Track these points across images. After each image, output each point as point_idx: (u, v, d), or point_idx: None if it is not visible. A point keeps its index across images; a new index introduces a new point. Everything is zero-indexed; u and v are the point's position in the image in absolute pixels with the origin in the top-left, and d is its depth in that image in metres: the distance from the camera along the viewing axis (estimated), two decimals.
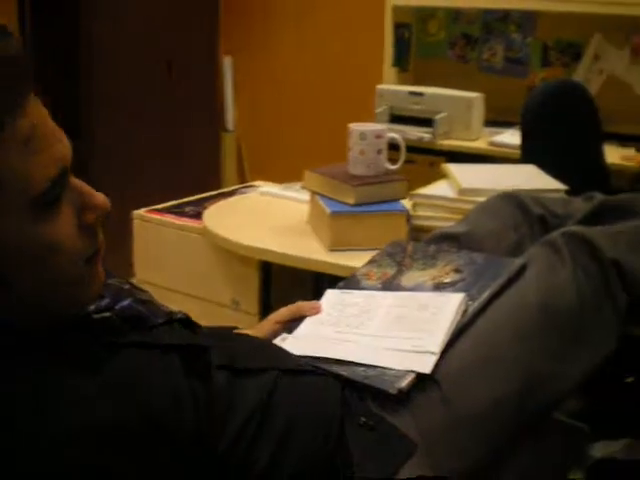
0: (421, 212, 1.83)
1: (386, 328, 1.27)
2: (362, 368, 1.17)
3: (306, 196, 2.03)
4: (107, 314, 0.91)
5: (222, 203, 2.26)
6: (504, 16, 3.93)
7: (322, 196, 1.88)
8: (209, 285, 2.10)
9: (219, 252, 2.02)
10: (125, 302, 0.95)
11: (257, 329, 1.35)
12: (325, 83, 4.27)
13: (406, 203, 1.87)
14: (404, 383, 1.13)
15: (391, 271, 1.44)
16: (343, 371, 1.16)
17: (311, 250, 1.83)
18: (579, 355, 1.27)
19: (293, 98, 4.37)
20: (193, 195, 2.40)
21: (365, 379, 1.15)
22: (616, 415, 2.22)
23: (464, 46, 4.04)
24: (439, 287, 1.34)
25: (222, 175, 4.38)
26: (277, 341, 1.28)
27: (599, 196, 1.61)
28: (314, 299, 1.42)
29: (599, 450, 2.14)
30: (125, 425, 0.82)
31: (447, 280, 1.35)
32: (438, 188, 1.92)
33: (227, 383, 0.96)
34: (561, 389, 1.26)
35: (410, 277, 1.40)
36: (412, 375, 1.14)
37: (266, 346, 1.22)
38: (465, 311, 1.26)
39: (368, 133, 1.89)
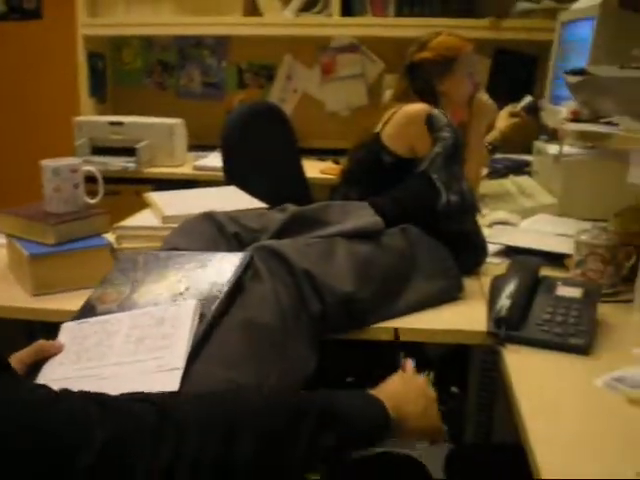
0: (126, 244, 1.79)
1: (128, 353, 1.22)
2: None
3: (3, 240, 1.91)
4: None
5: None
6: (198, 42, 3.99)
7: (19, 239, 1.77)
8: None
9: None
10: None
11: None
12: (19, 120, 4.08)
13: (110, 237, 1.82)
14: None
15: (125, 289, 1.39)
16: None
17: (14, 298, 1.71)
18: (283, 364, 1.29)
19: None
20: None
21: None
22: None
23: (161, 73, 4.05)
24: (174, 298, 1.32)
25: None
26: None
27: (291, 208, 1.67)
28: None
29: None
30: None
31: (181, 289, 1.34)
32: (142, 218, 1.89)
33: None
34: None
35: (145, 292, 1.36)
36: None
37: None
38: (202, 315, 1.25)
39: (62, 168, 1.81)
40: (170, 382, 1.14)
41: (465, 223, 1.77)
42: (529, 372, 1.30)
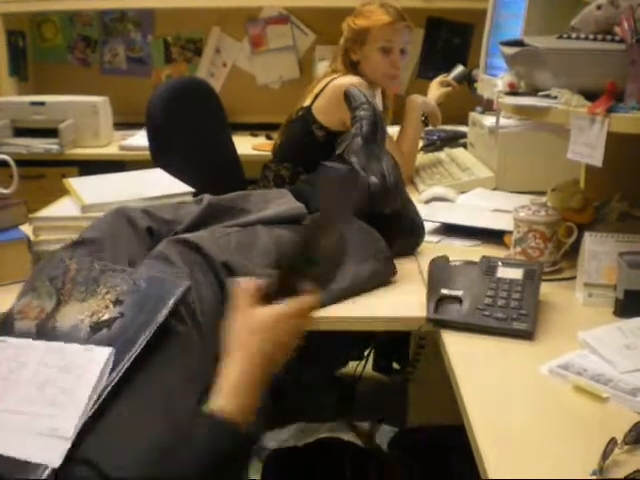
0: (44, 236, 1.67)
1: (28, 400, 1.08)
2: None
3: None
4: None
5: None
6: (121, 16, 3.84)
7: None
8: None
9: None
10: None
11: None
12: None
13: (27, 228, 1.70)
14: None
15: (50, 304, 1.24)
16: None
17: None
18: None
19: None
20: None
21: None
22: (280, 404, 2.26)
23: (84, 49, 3.89)
24: (96, 328, 1.18)
25: None
26: None
27: (208, 197, 1.59)
28: None
29: (272, 440, 2.16)
30: None
31: (105, 317, 1.19)
32: (61, 207, 1.78)
33: None
34: None
35: (68, 313, 1.22)
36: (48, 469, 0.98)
37: None
38: (113, 369, 1.10)
39: None
40: (52, 455, 1.00)
41: (391, 203, 1.69)
42: (471, 359, 1.25)
